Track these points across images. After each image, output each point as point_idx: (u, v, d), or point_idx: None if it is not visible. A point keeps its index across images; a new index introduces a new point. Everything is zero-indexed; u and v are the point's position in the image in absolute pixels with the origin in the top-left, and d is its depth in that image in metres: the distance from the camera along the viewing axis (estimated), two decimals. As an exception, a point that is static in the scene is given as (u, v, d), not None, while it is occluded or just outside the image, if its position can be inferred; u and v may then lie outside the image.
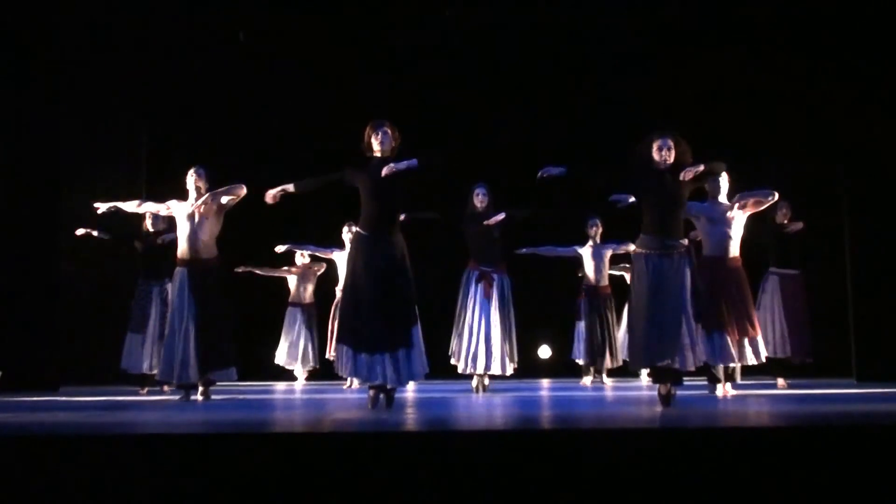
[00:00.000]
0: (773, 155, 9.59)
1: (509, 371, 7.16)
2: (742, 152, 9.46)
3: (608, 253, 8.55)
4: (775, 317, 7.72)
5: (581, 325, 8.66)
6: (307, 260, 9.62)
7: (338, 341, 5.48)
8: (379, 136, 5.44)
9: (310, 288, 9.74)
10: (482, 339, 7.06)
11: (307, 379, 9.68)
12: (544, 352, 10.50)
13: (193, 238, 6.37)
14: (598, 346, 8.43)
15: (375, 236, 5.35)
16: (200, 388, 6.37)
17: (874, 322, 8.08)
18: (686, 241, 5.29)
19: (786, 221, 7.73)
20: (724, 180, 6.43)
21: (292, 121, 9.77)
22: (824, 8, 8.17)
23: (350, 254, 5.52)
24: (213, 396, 6.47)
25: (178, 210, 6.45)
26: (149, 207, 6.79)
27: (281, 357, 9.61)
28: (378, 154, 5.45)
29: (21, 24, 8.16)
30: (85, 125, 9.22)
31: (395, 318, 5.25)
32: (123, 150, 9.58)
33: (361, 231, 5.41)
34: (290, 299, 9.71)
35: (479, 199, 7.27)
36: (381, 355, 5.21)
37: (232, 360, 6.40)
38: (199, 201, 6.31)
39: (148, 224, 7.83)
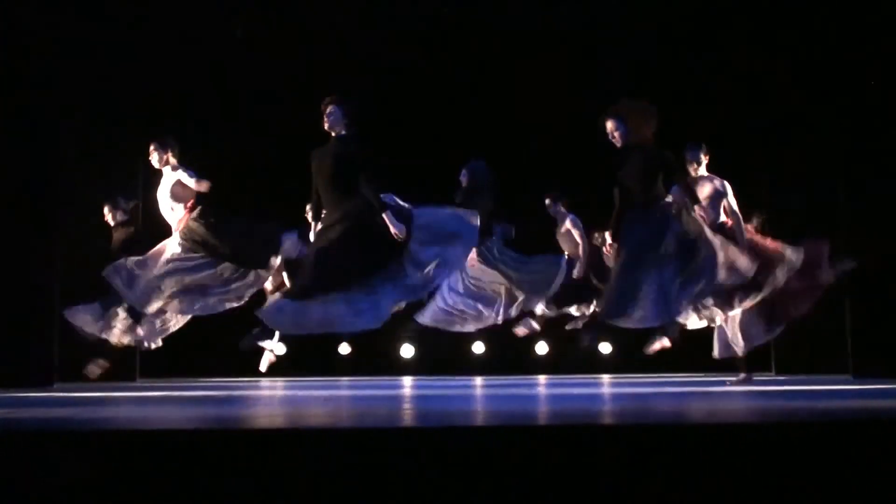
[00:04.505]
0: (770, 153, 9.62)
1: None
2: (740, 150, 9.53)
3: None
4: None
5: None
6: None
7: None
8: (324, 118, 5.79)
9: None
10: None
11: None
12: (542, 348, 10.50)
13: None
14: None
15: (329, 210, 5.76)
16: None
17: (871, 318, 8.08)
18: (669, 198, 5.41)
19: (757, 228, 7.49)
20: (702, 154, 6.56)
21: (289, 119, 9.74)
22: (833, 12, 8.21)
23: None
24: (210, 392, 6.43)
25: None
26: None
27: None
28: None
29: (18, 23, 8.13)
30: (83, 120, 9.19)
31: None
32: (121, 146, 9.54)
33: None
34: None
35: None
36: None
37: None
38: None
39: (109, 219, 8.00)
